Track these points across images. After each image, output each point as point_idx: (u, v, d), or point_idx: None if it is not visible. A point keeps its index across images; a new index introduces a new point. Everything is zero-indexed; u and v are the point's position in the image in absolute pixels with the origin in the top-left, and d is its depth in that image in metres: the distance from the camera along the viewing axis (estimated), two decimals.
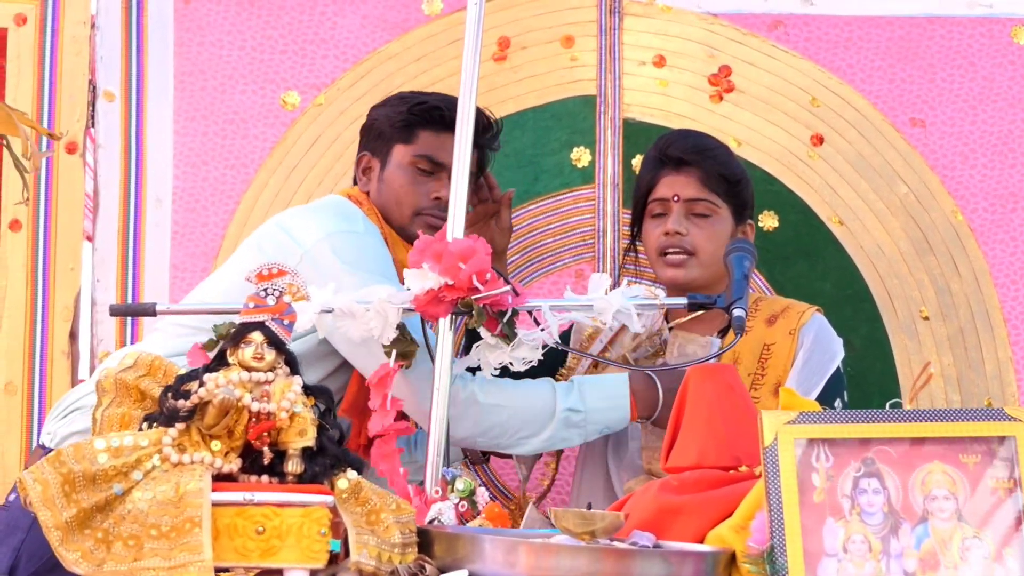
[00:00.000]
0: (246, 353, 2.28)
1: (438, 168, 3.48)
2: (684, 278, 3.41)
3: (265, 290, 2.30)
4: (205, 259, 3.93)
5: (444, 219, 3.41)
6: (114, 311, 3.27)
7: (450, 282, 2.96)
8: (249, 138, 3.98)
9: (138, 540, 2.15)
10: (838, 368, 3.42)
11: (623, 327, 3.39)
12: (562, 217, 4.00)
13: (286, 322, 2.29)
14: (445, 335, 3.00)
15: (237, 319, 2.33)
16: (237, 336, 2.28)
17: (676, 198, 3.44)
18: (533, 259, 4.00)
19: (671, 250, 3.43)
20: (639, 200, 3.53)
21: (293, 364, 2.31)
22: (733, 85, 3.99)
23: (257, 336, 2.28)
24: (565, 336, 3.46)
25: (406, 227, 3.45)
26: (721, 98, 3.99)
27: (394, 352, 3.01)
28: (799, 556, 2.23)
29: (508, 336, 3.01)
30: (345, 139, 3.94)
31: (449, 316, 2.99)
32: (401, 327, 3.02)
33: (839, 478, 2.30)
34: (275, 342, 2.28)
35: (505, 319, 3.00)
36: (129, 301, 3.89)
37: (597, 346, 3.48)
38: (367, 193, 3.51)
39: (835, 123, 3.98)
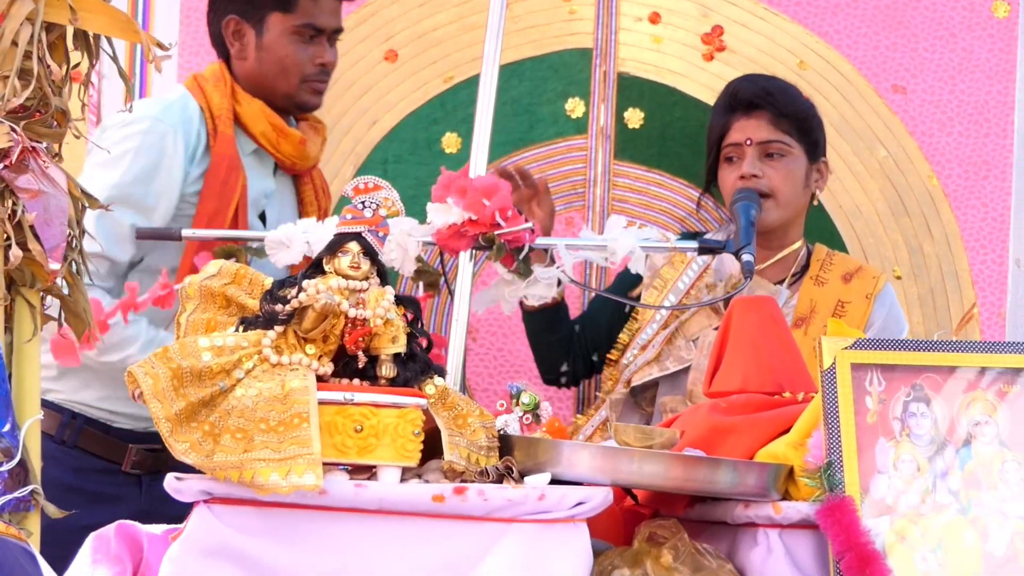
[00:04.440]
0: (343, 262, 2.36)
1: (319, 33, 3.56)
2: (763, 220, 3.49)
3: (363, 202, 2.39)
4: None
5: (327, 82, 3.58)
6: (140, 234, 3.31)
7: (473, 217, 3.04)
8: None
9: (246, 433, 2.23)
10: None
11: (704, 271, 3.53)
12: (555, 165, 4.08)
13: (381, 234, 2.38)
14: (465, 268, 3.10)
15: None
16: (334, 245, 2.37)
17: (749, 141, 3.56)
18: None
19: None
20: (712, 147, 3.64)
21: (383, 275, 2.41)
22: (725, 44, 4.10)
23: (354, 246, 2.36)
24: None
25: (293, 95, 3.55)
26: (712, 57, 4.10)
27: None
28: (855, 472, 2.39)
29: (523, 272, 3.12)
30: None
31: (469, 250, 3.09)
32: (421, 259, 3.12)
33: (891, 401, 2.45)
34: (370, 252, 2.37)
35: (521, 255, 3.11)
36: None
37: (684, 280, 3.59)
38: (244, 59, 3.55)
39: (821, 86, 4.09)
